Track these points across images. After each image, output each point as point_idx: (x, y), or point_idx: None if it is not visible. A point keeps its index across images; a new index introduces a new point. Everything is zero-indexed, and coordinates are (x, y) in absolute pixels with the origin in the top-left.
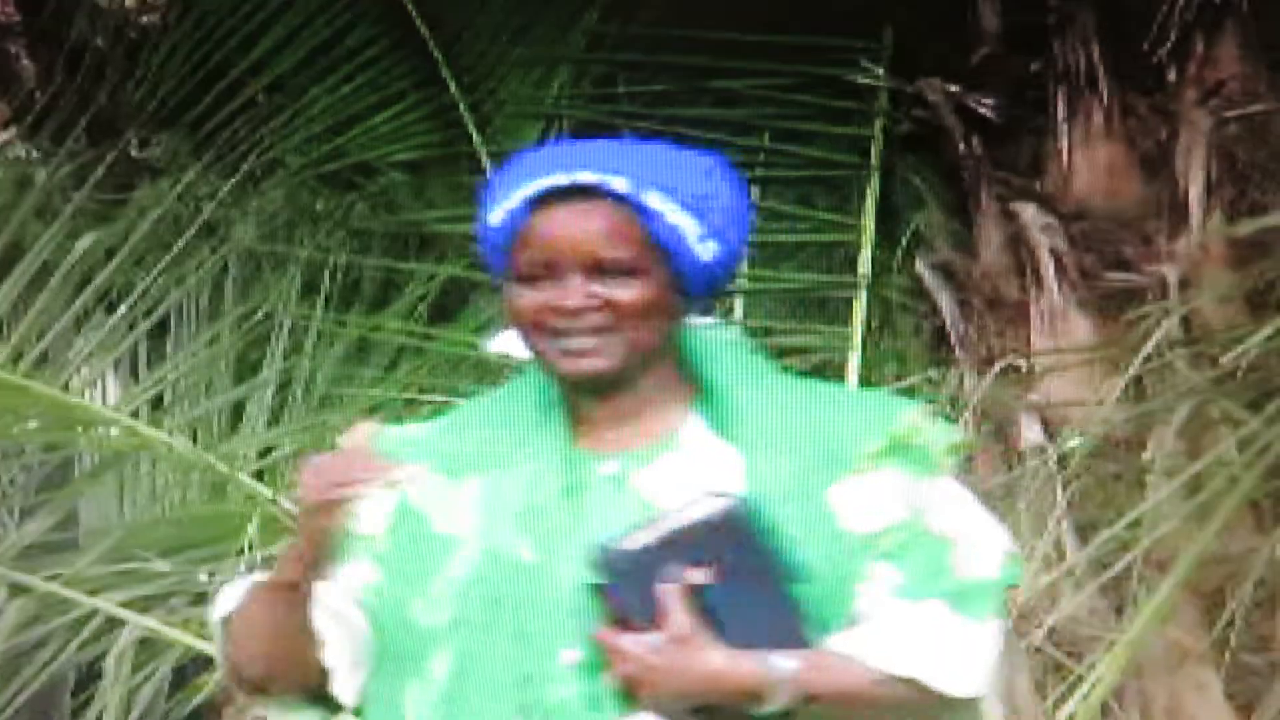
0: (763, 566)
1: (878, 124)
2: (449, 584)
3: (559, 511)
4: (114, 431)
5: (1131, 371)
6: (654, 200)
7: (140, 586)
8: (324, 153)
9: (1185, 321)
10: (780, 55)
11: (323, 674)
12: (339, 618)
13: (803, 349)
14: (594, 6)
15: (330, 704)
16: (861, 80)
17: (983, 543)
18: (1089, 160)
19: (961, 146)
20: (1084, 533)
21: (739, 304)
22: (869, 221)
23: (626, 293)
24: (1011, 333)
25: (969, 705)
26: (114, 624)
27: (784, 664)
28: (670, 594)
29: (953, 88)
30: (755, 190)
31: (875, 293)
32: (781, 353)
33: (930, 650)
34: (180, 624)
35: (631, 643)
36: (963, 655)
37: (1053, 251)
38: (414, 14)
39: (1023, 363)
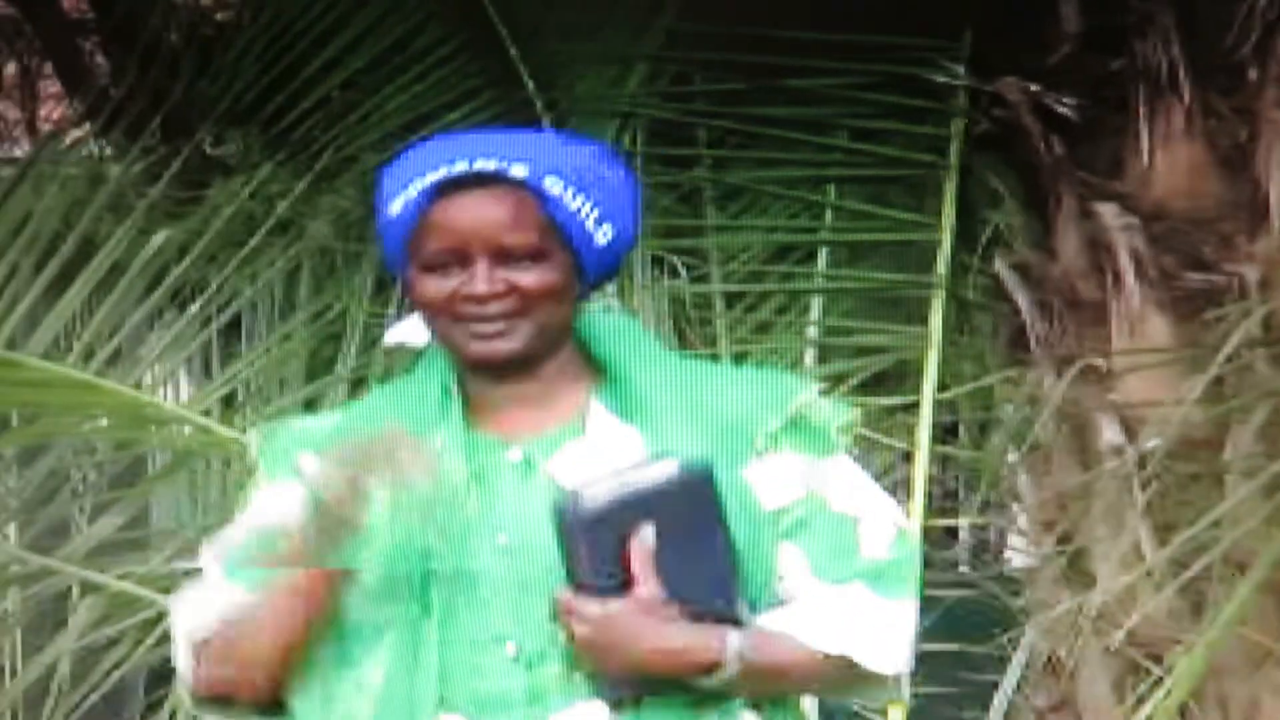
0: (710, 529)
1: (956, 123)
2: (367, 576)
3: (469, 499)
4: (186, 430)
5: (1211, 372)
6: (552, 185)
7: None
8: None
9: (1265, 321)
10: (858, 54)
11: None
12: None
13: (880, 348)
14: (670, 4)
15: (278, 715)
16: (940, 79)
17: (885, 520)
18: (1169, 160)
19: (1040, 146)
20: (1162, 534)
21: (816, 303)
22: (947, 221)
23: (532, 277)
24: (1090, 333)
25: (891, 682)
26: None
27: (733, 638)
28: (641, 560)
29: (1032, 87)
30: (832, 189)
31: (953, 292)
32: (858, 352)
33: (860, 631)
34: None
35: (593, 606)
36: (888, 635)
37: (1132, 252)
38: (490, 11)
39: (1101, 363)
